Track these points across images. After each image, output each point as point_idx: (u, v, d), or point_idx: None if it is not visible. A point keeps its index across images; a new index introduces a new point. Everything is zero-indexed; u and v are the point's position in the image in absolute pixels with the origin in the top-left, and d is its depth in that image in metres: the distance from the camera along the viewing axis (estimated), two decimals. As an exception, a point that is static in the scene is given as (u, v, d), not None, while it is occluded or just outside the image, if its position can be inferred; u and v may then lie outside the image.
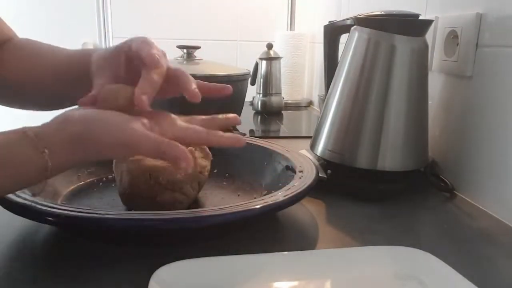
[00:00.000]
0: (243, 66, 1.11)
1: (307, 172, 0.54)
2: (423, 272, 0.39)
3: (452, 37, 0.65)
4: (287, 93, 1.42)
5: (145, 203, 0.49)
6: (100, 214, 0.42)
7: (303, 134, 1.02)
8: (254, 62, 1.27)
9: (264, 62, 1.26)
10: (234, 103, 1.02)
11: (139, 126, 0.41)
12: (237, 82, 1.00)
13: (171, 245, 0.45)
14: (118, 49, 0.49)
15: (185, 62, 1.01)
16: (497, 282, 0.41)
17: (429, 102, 0.65)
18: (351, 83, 0.62)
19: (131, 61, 0.48)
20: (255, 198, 0.54)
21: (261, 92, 1.27)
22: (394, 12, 0.61)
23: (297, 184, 0.50)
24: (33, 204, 0.42)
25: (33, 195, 0.45)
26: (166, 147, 0.39)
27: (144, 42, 0.47)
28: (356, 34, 0.63)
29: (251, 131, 1.05)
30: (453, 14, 0.65)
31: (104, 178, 0.61)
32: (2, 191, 0.40)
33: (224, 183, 0.63)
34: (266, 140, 0.69)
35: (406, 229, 0.52)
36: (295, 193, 0.47)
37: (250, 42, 1.57)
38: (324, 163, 0.66)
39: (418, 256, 0.41)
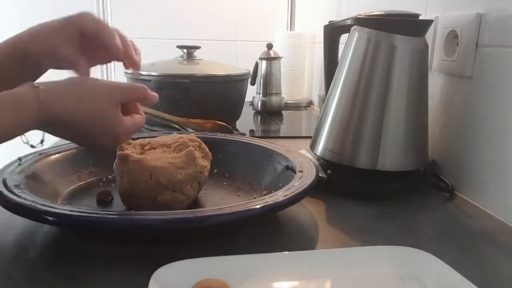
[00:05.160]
0: (243, 66, 1.11)
1: (307, 172, 0.54)
2: (423, 272, 0.39)
3: (452, 37, 0.65)
4: (287, 93, 1.42)
5: (145, 203, 0.49)
6: (100, 214, 0.42)
7: (303, 134, 1.02)
8: (254, 62, 1.27)
9: (264, 62, 1.26)
10: (234, 103, 1.03)
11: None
12: (237, 82, 1.00)
13: (171, 245, 0.45)
14: (70, 23, 0.52)
15: (185, 62, 1.01)
16: (497, 282, 0.41)
17: (429, 102, 0.65)
18: (351, 83, 0.62)
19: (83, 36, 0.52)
20: (255, 198, 0.54)
21: (261, 92, 1.27)
22: (394, 12, 0.61)
23: (297, 184, 0.50)
24: (33, 204, 0.42)
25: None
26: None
27: (101, 27, 0.52)
28: (356, 34, 0.63)
29: (251, 131, 1.05)
30: (453, 14, 0.65)
31: (104, 178, 0.61)
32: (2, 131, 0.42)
33: (224, 183, 0.63)
34: (266, 140, 0.69)
35: (406, 229, 0.52)
36: (295, 193, 0.47)
37: (250, 42, 1.57)
38: (324, 163, 0.66)
39: (418, 256, 0.41)
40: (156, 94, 0.53)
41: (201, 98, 0.93)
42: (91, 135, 0.47)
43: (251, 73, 1.11)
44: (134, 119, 0.50)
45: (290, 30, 1.55)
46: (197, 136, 0.57)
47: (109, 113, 0.47)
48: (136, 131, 0.51)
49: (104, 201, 0.55)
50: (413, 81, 0.61)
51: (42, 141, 0.52)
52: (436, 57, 0.69)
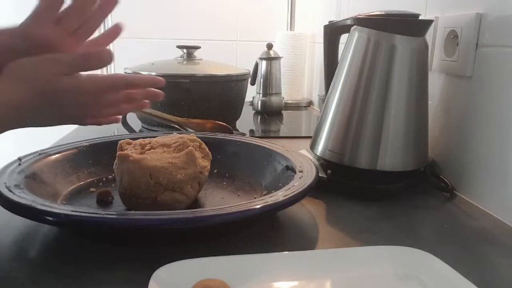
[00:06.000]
0: (243, 66, 1.11)
1: (307, 172, 0.54)
2: (423, 272, 0.39)
3: (452, 37, 0.65)
4: (287, 93, 1.42)
5: (145, 203, 0.49)
6: (100, 214, 0.42)
7: (303, 134, 1.02)
8: (254, 62, 1.27)
9: (264, 62, 1.26)
10: (234, 103, 1.03)
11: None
12: (237, 82, 1.00)
13: (171, 245, 0.45)
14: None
15: (185, 62, 1.01)
16: (497, 282, 0.41)
17: (429, 102, 0.65)
18: (351, 83, 0.62)
19: None
20: (255, 198, 0.54)
21: (261, 92, 1.27)
22: (394, 12, 0.61)
23: (297, 184, 0.50)
24: (33, 204, 0.42)
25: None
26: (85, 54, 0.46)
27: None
28: (356, 34, 0.63)
29: (251, 131, 1.05)
30: (453, 14, 0.65)
31: (104, 178, 0.61)
32: None
33: (224, 183, 0.63)
34: (266, 140, 0.69)
35: (406, 229, 0.52)
36: (295, 193, 0.47)
37: (250, 42, 1.57)
38: (324, 163, 0.66)
39: (418, 256, 0.41)
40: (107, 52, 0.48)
41: (201, 98, 0.93)
42: (54, 112, 0.47)
43: (251, 73, 1.11)
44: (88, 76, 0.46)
45: (290, 30, 1.55)
46: (197, 136, 0.57)
47: (54, 84, 0.45)
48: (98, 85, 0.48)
49: (104, 201, 0.55)
50: (413, 81, 0.61)
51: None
52: (436, 57, 0.69)
